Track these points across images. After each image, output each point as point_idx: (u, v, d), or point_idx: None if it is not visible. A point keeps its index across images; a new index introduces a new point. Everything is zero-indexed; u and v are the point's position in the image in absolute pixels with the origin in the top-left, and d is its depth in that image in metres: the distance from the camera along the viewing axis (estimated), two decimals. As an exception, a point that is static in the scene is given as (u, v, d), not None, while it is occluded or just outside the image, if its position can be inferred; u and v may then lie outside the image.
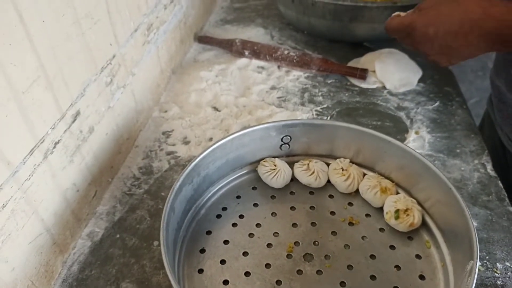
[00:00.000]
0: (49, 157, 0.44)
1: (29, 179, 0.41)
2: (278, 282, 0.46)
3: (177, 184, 0.47)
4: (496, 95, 0.73)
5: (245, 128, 0.55)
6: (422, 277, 0.45)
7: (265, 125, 0.56)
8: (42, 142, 0.43)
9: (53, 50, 0.43)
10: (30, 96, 0.40)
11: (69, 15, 0.45)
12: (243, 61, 0.82)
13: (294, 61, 0.80)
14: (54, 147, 0.45)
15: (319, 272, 0.47)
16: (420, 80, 0.77)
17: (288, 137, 0.57)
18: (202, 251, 0.50)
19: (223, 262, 0.48)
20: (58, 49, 0.44)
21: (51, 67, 0.43)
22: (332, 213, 0.54)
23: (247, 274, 0.47)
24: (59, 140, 0.46)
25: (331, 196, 0.56)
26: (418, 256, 0.48)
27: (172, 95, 0.74)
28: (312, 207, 0.54)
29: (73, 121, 0.48)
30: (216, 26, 0.97)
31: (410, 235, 0.50)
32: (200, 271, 0.47)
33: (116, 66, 0.57)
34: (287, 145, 0.58)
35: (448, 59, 0.62)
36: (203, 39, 0.87)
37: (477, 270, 0.38)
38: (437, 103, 0.73)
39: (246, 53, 0.82)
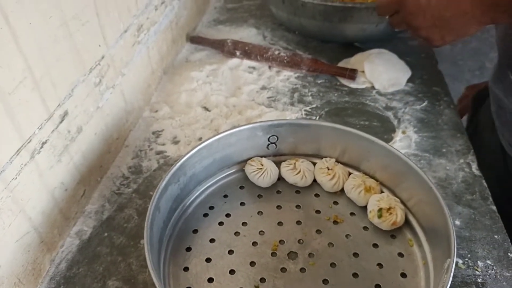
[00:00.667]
0: (36, 157, 0.45)
1: (16, 178, 0.42)
2: (262, 280, 0.47)
3: (163, 184, 0.48)
4: (495, 102, 0.73)
5: (232, 128, 0.56)
6: (403, 275, 0.46)
7: (252, 125, 0.56)
8: (29, 142, 0.44)
9: (40, 52, 0.44)
10: (17, 97, 0.41)
11: (56, 17, 0.46)
12: (234, 61, 0.83)
13: (285, 61, 0.81)
14: (42, 147, 0.46)
15: (302, 270, 0.48)
16: (409, 80, 0.78)
17: (275, 137, 0.58)
18: (188, 249, 0.51)
19: (208, 260, 0.49)
20: (46, 50, 0.45)
21: (38, 68, 0.44)
22: (318, 211, 0.54)
23: (231, 272, 0.48)
24: (46, 140, 0.46)
25: (317, 195, 0.57)
26: (400, 254, 0.48)
27: (163, 95, 0.75)
28: (298, 206, 0.55)
29: (61, 121, 0.49)
30: (209, 26, 0.98)
31: (393, 233, 0.51)
32: (186, 269, 0.48)
33: (105, 67, 0.57)
34: (274, 144, 0.59)
35: (442, 35, 0.60)
36: (195, 40, 0.88)
37: (453, 267, 0.39)
38: (425, 103, 0.73)
39: (238, 53, 0.83)
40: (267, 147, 0.59)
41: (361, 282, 0.46)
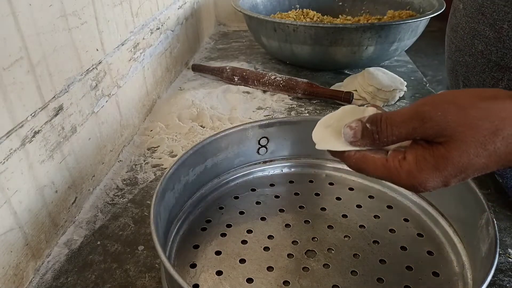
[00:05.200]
0: (27, 146, 0.41)
1: (4, 163, 0.38)
2: (286, 283, 0.42)
3: (161, 188, 0.44)
4: None
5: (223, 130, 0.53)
6: (430, 253, 0.44)
7: (241, 127, 0.54)
8: (20, 127, 0.40)
9: (38, 36, 0.43)
10: (11, 75, 0.39)
11: (56, 8, 0.45)
12: (228, 86, 0.83)
13: (281, 85, 0.81)
14: (34, 136, 0.42)
15: (326, 265, 0.44)
16: (401, 98, 0.79)
17: (265, 139, 0.56)
18: (193, 266, 0.45)
19: (219, 273, 0.44)
20: (43, 36, 0.43)
21: (35, 52, 0.42)
22: (323, 209, 0.51)
23: (249, 280, 0.43)
24: (39, 130, 0.43)
25: (317, 194, 0.54)
26: (419, 235, 0.46)
27: (159, 116, 0.73)
28: (301, 207, 0.52)
29: (55, 115, 0.46)
30: (201, 62, 0.99)
31: (406, 217, 0.49)
32: (195, 286, 0.43)
33: (102, 73, 0.56)
34: (264, 148, 0.56)
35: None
36: (197, 67, 0.90)
37: (494, 220, 0.35)
38: (423, 116, 0.73)
39: (236, 79, 0.83)
40: (258, 152, 0.56)
41: (391, 266, 0.42)
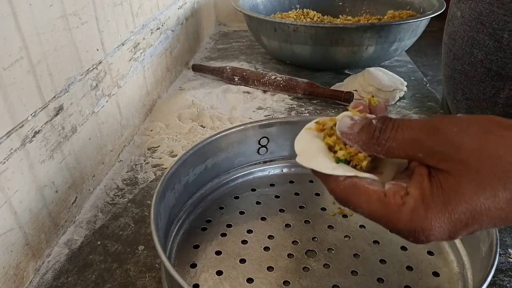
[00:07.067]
0: (27, 145, 0.41)
1: (4, 163, 0.38)
2: (286, 283, 0.42)
3: (161, 188, 0.44)
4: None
5: (223, 130, 0.53)
6: (430, 253, 0.44)
7: (242, 127, 0.54)
8: (21, 127, 0.40)
9: (39, 36, 0.43)
10: (12, 75, 0.39)
11: (57, 8, 0.45)
12: (228, 86, 0.83)
13: (281, 85, 0.81)
14: (34, 136, 0.42)
15: (326, 265, 0.44)
16: (401, 98, 0.79)
17: (266, 139, 0.56)
18: (193, 265, 0.45)
19: (219, 273, 0.44)
20: (44, 36, 0.43)
21: (35, 52, 0.42)
22: (323, 209, 0.51)
23: (249, 280, 0.43)
24: (39, 130, 0.43)
25: (317, 194, 0.54)
26: None
27: (159, 116, 0.73)
28: (301, 207, 0.52)
29: (56, 115, 0.46)
30: (202, 62, 0.99)
31: None
32: (196, 286, 0.43)
33: (102, 73, 0.56)
34: (265, 148, 0.56)
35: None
36: (197, 67, 0.90)
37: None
38: (423, 116, 0.73)
39: (236, 79, 0.84)
40: (258, 152, 0.56)
41: (391, 266, 0.42)
